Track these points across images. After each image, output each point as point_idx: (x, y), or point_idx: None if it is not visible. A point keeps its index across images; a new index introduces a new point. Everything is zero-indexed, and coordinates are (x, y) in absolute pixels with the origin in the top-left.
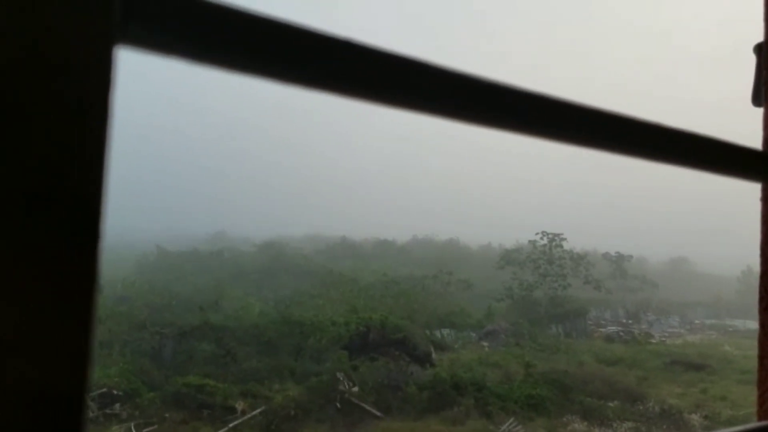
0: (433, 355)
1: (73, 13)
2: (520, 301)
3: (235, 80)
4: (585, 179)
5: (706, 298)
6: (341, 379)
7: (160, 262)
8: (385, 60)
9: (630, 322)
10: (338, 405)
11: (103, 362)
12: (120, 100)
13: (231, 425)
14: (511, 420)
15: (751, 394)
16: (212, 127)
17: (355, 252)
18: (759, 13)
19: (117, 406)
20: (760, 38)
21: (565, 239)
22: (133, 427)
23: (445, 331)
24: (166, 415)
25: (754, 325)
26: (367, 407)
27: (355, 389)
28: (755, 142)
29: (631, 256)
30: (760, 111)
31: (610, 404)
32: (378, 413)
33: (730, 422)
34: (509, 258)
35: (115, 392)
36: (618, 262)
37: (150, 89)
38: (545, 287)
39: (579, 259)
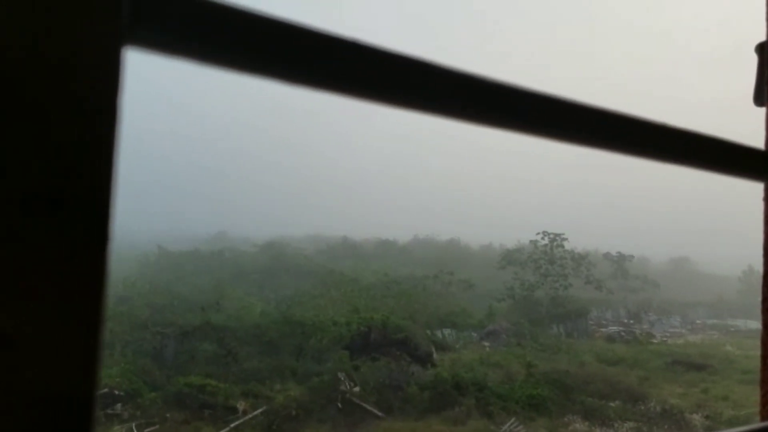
0: (435, 355)
1: (82, 14)
2: (521, 301)
3: (236, 81)
4: (586, 179)
5: (708, 298)
6: (342, 379)
7: (162, 262)
8: (390, 60)
9: (631, 322)
10: (340, 405)
11: (105, 362)
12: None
13: (232, 425)
14: (513, 420)
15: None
16: (213, 128)
17: (356, 252)
18: (760, 12)
19: (118, 406)
20: (762, 38)
21: (566, 239)
22: (134, 427)
23: (447, 331)
24: (168, 415)
25: (755, 324)
26: (369, 407)
27: (357, 389)
28: (758, 142)
29: (632, 256)
30: (762, 111)
31: (612, 404)
32: (379, 413)
33: (731, 422)
34: (510, 258)
35: (116, 392)
36: (619, 262)
37: (151, 90)
38: (546, 287)
39: (580, 259)
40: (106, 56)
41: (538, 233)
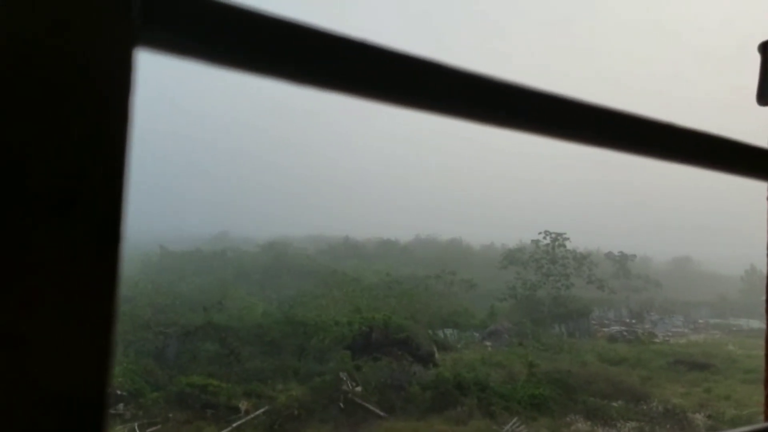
0: (436, 355)
1: (93, 16)
2: (523, 301)
3: (237, 81)
4: (588, 178)
5: (710, 298)
6: (344, 379)
7: (164, 262)
8: (395, 59)
9: (633, 321)
10: (341, 405)
11: None
12: None
13: (235, 425)
14: (515, 420)
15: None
16: (215, 129)
17: (358, 252)
18: (764, 11)
19: (121, 406)
20: (766, 37)
21: (568, 239)
22: (136, 427)
23: (448, 331)
24: (170, 415)
25: (757, 324)
26: (371, 407)
27: (359, 389)
28: (762, 141)
29: (634, 256)
30: (766, 109)
31: (614, 404)
32: (381, 413)
33: (733, 422)
34: (512, 258)
35: (118, 392)
36: (621, 261)
37: (152, 91)
38: (548, 287)
39: (582, 259)
40: (118, 57)
41: (539, 233)
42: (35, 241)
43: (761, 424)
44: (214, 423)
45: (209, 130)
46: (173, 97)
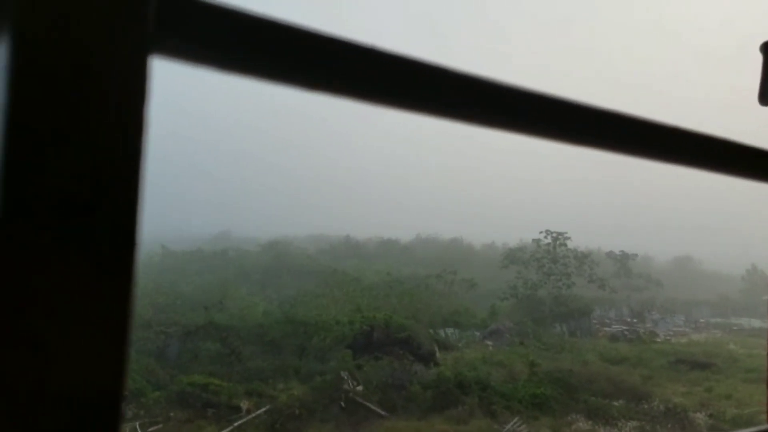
0: (437, 354)
1: (108, 23)
2: (524, 300)
3: (238, 83)
4: (589, 178)
5: (711, 297)
6: (345, 378)
7: (165, 262)
8: (403, 65)
9: (635, 320)
10: (343, 404)
11: None
12: None
13: (236, 424)
14: (516, 419)
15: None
16: (216, 129)
17: (359, 251)
18: (762, 12)
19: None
20: (766, 37)
21: (569, 238)
22: (138, 427)
23: (449, 330)
24: (171, 414)
25: (759, 323)
26: (372, 406)
27: (360, 388)
28: (763, 141)
29: (635, 255)
30: (766, 110)
31: (615, 403)
32: (382, 412)
33: (735, 421)
34: (513, 257)
35: None
36: (622, 260)
37: (154, 92)
38: (549, 286)
39: (583, 258)
40: (133, 64)
41: (540, 232)
42: (55, 246)
43: (764, 426)
44: (215, 422)
45: (210, 131)
46: (173, 98)
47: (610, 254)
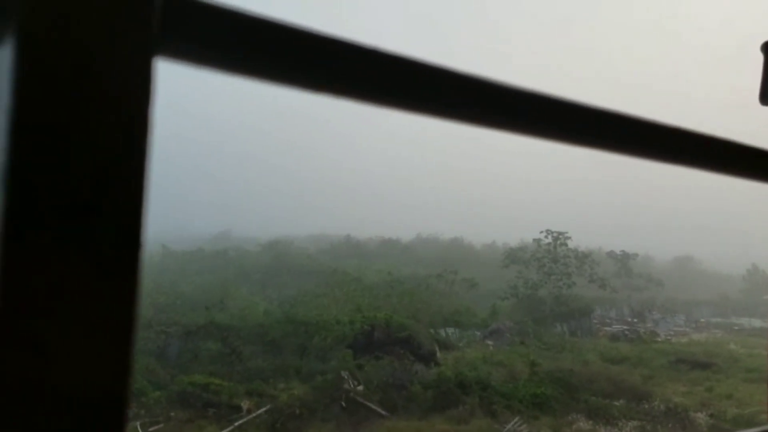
0: (438, 354)
1: (113, 26)
2: (524, 300)
3: (239, 84)
4: (589, 177)
5: (712, 297)
6: (346, 377)
7: (166, 262)
8: (406, 66)
9: (635, 320)
10: (343, 404)
11: None
12: None
13: (236, 424)
14: (516, 419)
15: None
16: (216, 130)
17: (360, 251)
18: (763, 12)
19: None
20: (767, 36)
21: (569, 238)
22: (138, 427)
23: (450, 330)
24: (172, 414)
25: (759, 323)
26: (372, 406)
27: (360, 388)
28: (764, 141)
29: (636, 255)
30: (766, 109)
31: (616, 403)
32: (383, 412)
33: (736, 421)
34: (514, 257)
35: None
36: (623, 260)
37: (158, 94)
38: (550, 286)
39: (584, 258)
40: (137, 67)
41: (541, 232)
42: (59, 247)
43: (766, 426)
44: (216, 422)
45: (210, 132)
46: (174, 98)
47: (610, 254)
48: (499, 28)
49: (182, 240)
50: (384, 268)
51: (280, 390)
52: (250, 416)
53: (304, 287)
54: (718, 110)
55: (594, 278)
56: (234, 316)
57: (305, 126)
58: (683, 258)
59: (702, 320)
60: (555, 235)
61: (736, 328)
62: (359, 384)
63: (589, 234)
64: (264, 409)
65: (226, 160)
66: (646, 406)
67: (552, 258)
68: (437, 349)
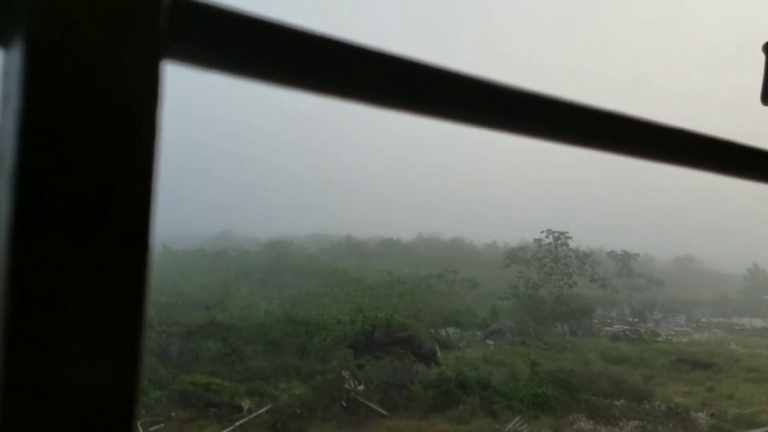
0: (439, 354)
1: (121, 30)
2: (525, 300)
3: (239, 86)
4: (590, 177)
5: (713, 297)
6: (347, 377)
7: (167, 262)
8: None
9: (636, 320)
10: (344, 403)
11: None
12: None
13: (237, 423)
14: (517, 419)
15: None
16: (217, 130)
17: (360, 251)
18: (764, 12)
19: None
20: None
21: (570, 237)
22: (139, 426)
23: (451, 330)
24: (173, 413)
25: (760, 323)
26: (373, 406)
27: (361, 388)
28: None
29: (637, 255)
30: (767, 109)
31: (617, 403)
32: (384, 412)
33: (736, 420)
34: (514, 256)
35: None
36: (624, 260)
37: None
38: (551, 286)
39: (584, 258)
40: (146, 70)
41: (542, 231)
42: (68, 249)
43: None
44: (217, 422)
45: (212, 132)
46: (175, 99)
47: (611, 254)
48: (499, 28)
49: (183, 240)
50: (384, 267)
51: (281, 390)
52: (251, 416)
53: (304, 287)
54: (719, 110)
55: (595, 278)
56: (235, 316)
57: (305, 127)
58: (684, 258)
59: (703, 320)
60: (556, 235)
61: (737, 327)
62: (360, 384)
63: (590, 234)
64: (265, 408)
65: (226, 161)
66: (647, 406)
67: (553, 258)
68: (438, 348)
